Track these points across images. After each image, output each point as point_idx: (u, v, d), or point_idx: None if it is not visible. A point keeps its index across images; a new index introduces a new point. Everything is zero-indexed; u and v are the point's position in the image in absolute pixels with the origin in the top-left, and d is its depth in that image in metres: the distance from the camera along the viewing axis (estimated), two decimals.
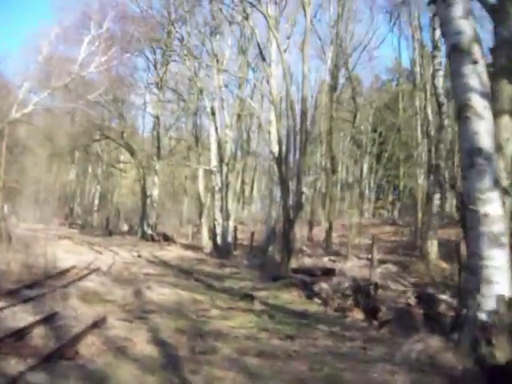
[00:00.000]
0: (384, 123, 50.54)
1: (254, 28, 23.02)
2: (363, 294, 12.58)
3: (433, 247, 20.56)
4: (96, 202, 56.94)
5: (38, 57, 31.46)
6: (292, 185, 21.28)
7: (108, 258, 24.43)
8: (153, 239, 37.80)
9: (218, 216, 29.68)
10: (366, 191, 47.09)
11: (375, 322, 11.18)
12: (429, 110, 27.76)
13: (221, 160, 29.30)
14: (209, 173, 32.18)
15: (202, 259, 26.70)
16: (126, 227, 48.86)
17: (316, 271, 18.97)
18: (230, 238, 28.74)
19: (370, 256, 24.58)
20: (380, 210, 52.15)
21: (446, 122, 21.46)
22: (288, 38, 27.87)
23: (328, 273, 19.14)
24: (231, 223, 29.28)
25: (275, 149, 22.63)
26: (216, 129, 29.50)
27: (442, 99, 21.40)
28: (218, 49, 30.30)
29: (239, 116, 35.60)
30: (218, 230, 29.55)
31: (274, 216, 27.19)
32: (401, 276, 18.91)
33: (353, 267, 22.34)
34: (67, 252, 26.68)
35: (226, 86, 32.05)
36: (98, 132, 42.79)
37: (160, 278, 18.28)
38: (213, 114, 29.85)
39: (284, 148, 21.51)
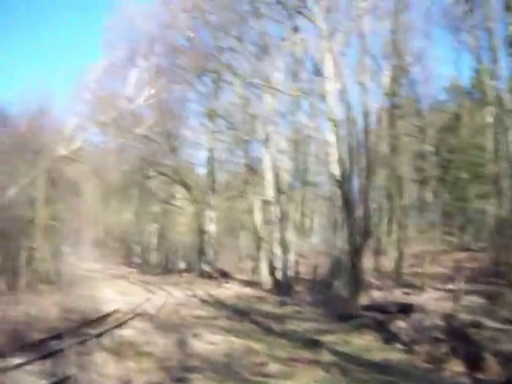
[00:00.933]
0: (445, 145, 47.43)
1: (304, 40, 20.64)
2: (458, 336, 9.67)
3: None
4: (154, 240, 55.21)
5: (86, 93, 30.16)
6: (358, 211, 18.48)
7: (160, 299, 22.27)
8: (210, 276, 35.60)
9: (277, 249, 27.10)
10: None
11: (482, 377, 8.34)
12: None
13: (277, 189, 26.83)
14: (266, 205, 29.67)
15: (261, 297, 24.11)
16: (183, 265, 46.79)
17: (390, 307, 16.10)
18: (290, 273, 26.05)
19: (449, 287, 21.58)
20: (447, 237, 48.40)
21: None
22: (343, 54, 25.51)
23: (405, 309, 16.27)
24: (291, 256, 26.63)
25: (336, 171, 20.06)
26: (271, 156, 27.09)
27: None
28: (269, 72, 28.07)
29: (295, 144, 33.26)
30: (278, 264, 26.94)
31: (339, 246, 24.36)
32: (492, 310, 15.77)
33: (429, 300, 19.27)
34: (118, 293, 24.81)
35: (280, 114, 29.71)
36: (151, 169, 40.90)
37: (212, 321, 15.87)
38: (267, 140, 27.51)
39: (347, 169, 18.81)
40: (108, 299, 20.97)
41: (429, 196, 42.94)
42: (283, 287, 25.43)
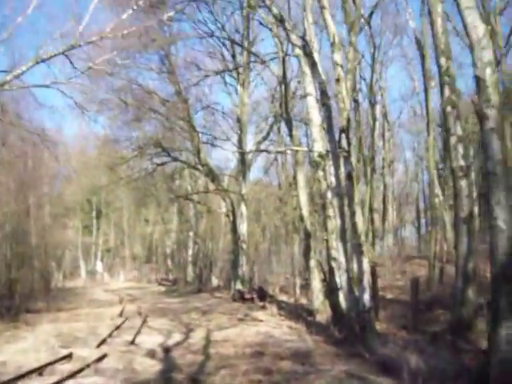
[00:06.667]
0: None
1: None
2: None
3: None
4: (190, 252, 41.29)
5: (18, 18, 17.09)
6: None
7: (82, 358, 8.85)
8: (243, 298, 22.01)
9: (338, 250, 12.85)
10: None
11: None
12: None
13: (330, 133, 12.70)
14: (316, 172, 15.46)
15: (305, 353, 10.05)
16: (216, 282, 32.96)
17: None
18: (366, 297, 11.58)
19: None
20: None
21: None
22: None
23: None
24: (366, 263, 12.16)
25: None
26: (315, 71, 12.98)
27: None
28: None
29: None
30: (340, 278, 12.75)
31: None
32: None
33: None
34: (54, 337, 12.10)
35: None
36: (158, 151, 26.59)
37: None
38: (305, 51, 13.49)
39: None
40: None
41: None
42: (351, 325, 11.30)
